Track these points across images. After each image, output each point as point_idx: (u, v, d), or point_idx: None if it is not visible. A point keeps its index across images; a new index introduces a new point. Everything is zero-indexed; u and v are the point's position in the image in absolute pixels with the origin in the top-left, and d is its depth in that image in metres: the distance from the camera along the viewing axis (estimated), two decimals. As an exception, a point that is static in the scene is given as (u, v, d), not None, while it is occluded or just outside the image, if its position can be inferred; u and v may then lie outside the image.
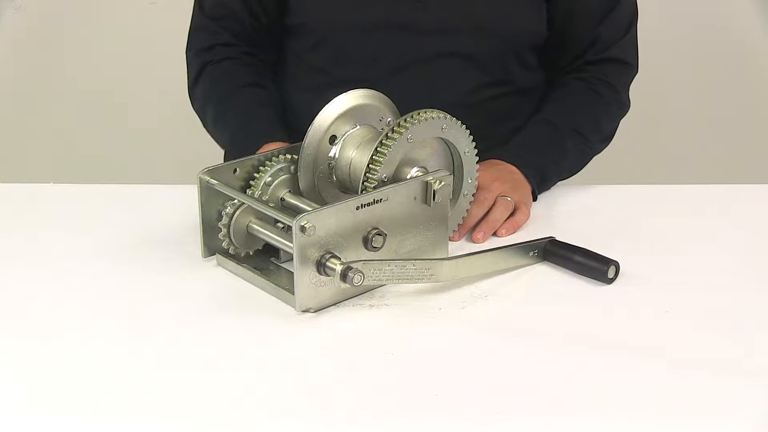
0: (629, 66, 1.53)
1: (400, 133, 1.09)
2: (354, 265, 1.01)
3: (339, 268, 1.01)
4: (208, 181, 1.12)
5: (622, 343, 0.98)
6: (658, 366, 0.94)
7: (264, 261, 1.14)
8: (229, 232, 1.12)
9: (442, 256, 1.13)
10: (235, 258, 1.13)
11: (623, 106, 1.53)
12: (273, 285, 1.07)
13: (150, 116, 2.54)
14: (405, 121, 1.10)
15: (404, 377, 0.92)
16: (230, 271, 1.13)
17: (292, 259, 1.02)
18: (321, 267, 1.02)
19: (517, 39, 1.47)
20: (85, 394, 0.90)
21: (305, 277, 1.02)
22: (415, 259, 1.08)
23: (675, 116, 2.51)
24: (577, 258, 1.12)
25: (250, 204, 1.11)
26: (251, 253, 1.15)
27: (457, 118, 1.14)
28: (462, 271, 1.08)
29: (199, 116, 1.51)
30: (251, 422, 0.86)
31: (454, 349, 0.98)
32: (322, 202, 1.15)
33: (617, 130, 1.53)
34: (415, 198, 1.09)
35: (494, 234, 1.23)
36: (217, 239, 1.13)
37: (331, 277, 1.02)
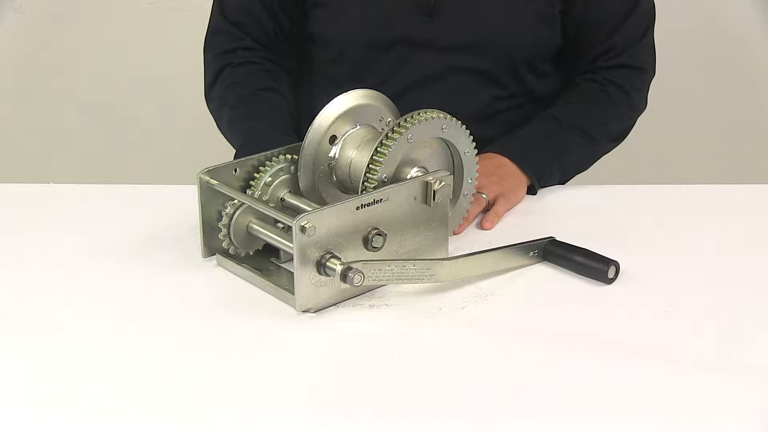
0: (643, 70, 1.53)
1: (400, 133, 1.09)
2: (354, 266, 1.01)
3: (339, 268, 1.01)
4: (208, 181, 1.12)
5: (622, 343, 0.98)
6: (658, 366, 0.94)
7: (264, 261, 1.14)
8: (229, 232, 1.12)
9: (442, 256, 1.13)
10: (235, 258, 1.13)
11: (635, 108, 1.52)
12: (273, 285, 1.07)
13: (150, 116, 2.54)
14: (405, 121, 1.10)
15: (404, 377, 0.92)
16: (230, 271, 1.13)
17: (292, 259, 1.02)
18: (321, 267, 1.02)
19: (530, 53, 1.47)
20: (84, 394, 0.90)
21: (305, 277, 1.02)
22: (415, 259, 1.08)
23: (675, 116, 2.51)
24: (577, 258, 1.12)
25: (250, 204, 1.11)
26: (251, 253, 1.15)
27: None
28: (462, 271, 1.08)
29: (213, 117, 1.51)
30: (251, 422, 0.86)
31: (454, 349, 0.98)
32: (322, 202, 1.15)
33: (631, 130, 1.53)
34: (415, 198, 1.09)
35: (482, 228, 1.25)
36: (217, 239, 1.13)
37: (331, 277, 1.02)
